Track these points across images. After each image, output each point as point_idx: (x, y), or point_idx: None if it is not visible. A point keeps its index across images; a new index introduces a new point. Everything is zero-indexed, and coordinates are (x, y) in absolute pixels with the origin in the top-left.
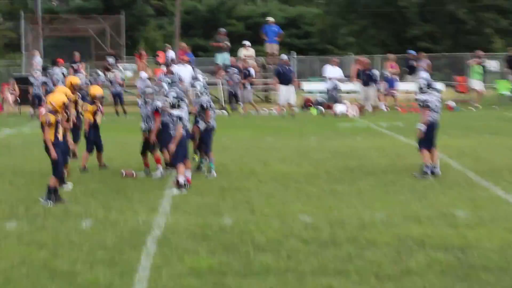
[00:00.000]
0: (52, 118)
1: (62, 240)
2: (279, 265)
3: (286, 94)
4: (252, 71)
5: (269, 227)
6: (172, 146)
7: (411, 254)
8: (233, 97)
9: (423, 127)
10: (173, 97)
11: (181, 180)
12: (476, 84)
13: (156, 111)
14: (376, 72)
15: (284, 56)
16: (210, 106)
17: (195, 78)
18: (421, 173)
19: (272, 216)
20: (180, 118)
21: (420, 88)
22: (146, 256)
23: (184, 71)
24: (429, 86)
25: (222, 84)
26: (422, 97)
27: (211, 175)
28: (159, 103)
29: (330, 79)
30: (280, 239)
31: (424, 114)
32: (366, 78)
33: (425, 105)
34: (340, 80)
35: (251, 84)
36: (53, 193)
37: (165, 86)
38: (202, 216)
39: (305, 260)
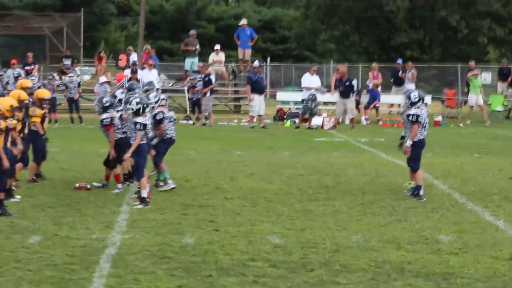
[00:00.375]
0: (2, 124)
1: (7, 257)
2: None
3: (259, 104)
4: (213, 78)
5: (234, 248)
6: (127, 154)
7: (389, 281)
8: (195, 106)
9: (409, 144)
10: (137, 103)
11: (144, 194)
12: (475, 99)
13: (109, 125)
14: (355, 83)
15: (257, 63)
16: (164, 117)
17: (148, 88)
18: (418, 197)
19: (239, 237)
20: (144, 126)
21: (412, 103)
22: (99, 277)
23: (150, 76)
24: (420, 100)
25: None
26: (413, 111)
27: (167, 186)
28: (104, 116)
29: (307, 89)
30: (246, 262)
31: (414, 130)
32: (344, 89)
33: (417, 121)
34: (318, 91)
35: (212, 92)
36: None
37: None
38: (161, 235)
39: (273, 285)
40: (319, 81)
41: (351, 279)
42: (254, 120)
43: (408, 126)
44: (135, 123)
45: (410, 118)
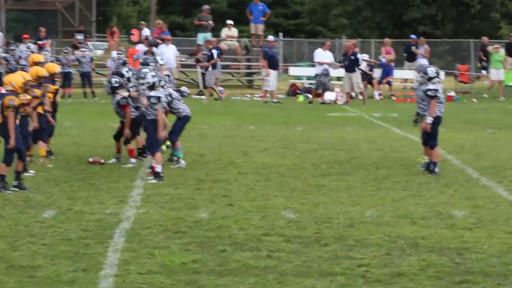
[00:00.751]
0: (17, 100)
1: (21, 231)
2: (259, 264)
3: (275, 79)
4: (215, 53)
5: (248, 223)
6: (162, 134)
7: (403, 256)
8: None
9: (431, 120)
10: (152, 76)
11: (159, 169)
12: (496, 73)
13: (125, 105)
14: (360, 57)
15: (271, 38)
16: (172, 99)
17: (144, 66)
18: (431, 172)
19: (252, 211)
20: (159, 99)
21: (430, 78)
22: (113, 251)
23: (167, 51)
24: (438, 75)
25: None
26: (432, 86)
27: (179, 164)
28: (118, 97)
29: (320, 64)
30: (260, 236)
31: (432, 106)
32: (349, 63)
33: (435, 96)
34: (331, 66)
35: (215, 66)
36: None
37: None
38: (175, 209)
39: (287, 259)
40: (332, 57)
41: (365, 253)
42: (268, 95)
43: (424, 102)
44: (149, 97)
45: (430, 93)
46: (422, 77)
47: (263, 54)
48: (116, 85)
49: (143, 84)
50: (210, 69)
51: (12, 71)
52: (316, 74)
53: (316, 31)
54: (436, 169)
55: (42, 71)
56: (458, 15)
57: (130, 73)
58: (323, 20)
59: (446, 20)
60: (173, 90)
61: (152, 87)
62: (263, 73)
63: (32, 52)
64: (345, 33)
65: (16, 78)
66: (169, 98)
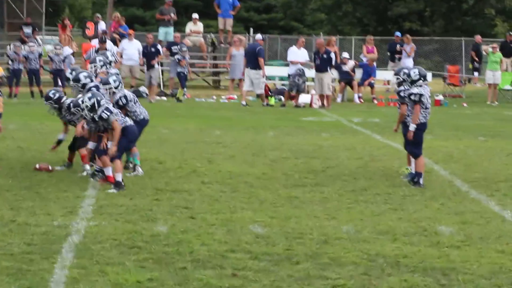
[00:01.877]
0: None
1: None
2: (222, 283)
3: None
4: (160, 48)
5: (211, 238)
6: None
7: (382, 276)
8: (183, 80)
9: (413, 128)
10: (114, 80)
11: (119, 177)
12: (492, 76)
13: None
14: (333, 56)
15: (260, 36)
16: (128, 101)
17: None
18: (415, 184)
19: (216, 225)
20: (109, 111)
21: (412, 81)
22: (61, 268)
23: (130, 47)
24: (422, 77)
25: (161, 65)
26: (416, 90)
27: (135, 172)
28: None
29: (293, 63)
30: (224, 253)
31: (416, 111)
32: (321, 62)
33: (420, 101)
34: (305, 65)
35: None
36: None
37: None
38: (131, 222)
39: (254, 279)
40: (307, 55)
41: (340, 273)
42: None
43: (408, 108)
44: (99, 116)
45: (413, 97)
46: (404, 79)
47: (260, 53)
48: (55, 96)
49: (82, 109)
50: (156, 66)
51: None
52: (289, 75)
53: (291, 26)
54: (421, 181)
55: None
56: (448, 10)
57: (88, 80)
58: (298, 15)
59: (435, 16)
60: (128, 91)
61: (92, 109)
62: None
63: None
64: (323, 29)
65: None
66: (124, 100)
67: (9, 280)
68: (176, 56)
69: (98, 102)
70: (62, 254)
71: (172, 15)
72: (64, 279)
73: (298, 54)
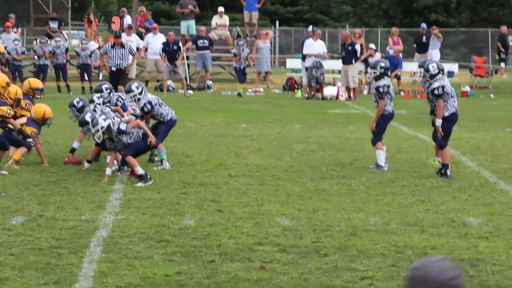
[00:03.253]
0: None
1: None
2: (251, 276)
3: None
4: (181, 45)
5: (239, 231)
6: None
7: (410, 267)
8: (241, 75)
9: (440, 123)
10: (136, 87)
11: (141, 171)
12: None
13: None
14: (358, 48)
15: (311, 28)
16: (152, 107)
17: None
18: (445, 176)
19: (244, 218)
20: (122, 131)
21: (432, 75)
22: (89, 262)
23: (155, 41)
24: (441, 71)
25: (187, 59)
26: (437, 84)
27: (163, 166)
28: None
29: (308, 56)
30: (252, 246)
31: (440, 105)
32: (346, 54)
33: (443, 93)
34: (319, 57)
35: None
36: None
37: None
38: (158, 216)
39: (282, 271)
40: (323, 47)
41: (368, 265)
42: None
43: (434, 99)
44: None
45: (436, 91)
46: (424, 75)
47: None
48: (79, 105)
49: (97, 132)
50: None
51: None
52: (307, 68)
53: (317, 19)
54: (448, 172)
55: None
56: (474, 1)
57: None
58: (324, 7)
59: (461, 7)
60: (152, 95)
61: (108, 129)
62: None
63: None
64: (348, 22)
65: None
66: (148, 106)
67: (37, 274)
68: (233, 51)
69: (113, 122)
70: (90, 248)
71: (190, 6)
72: (92, 273)
73: (313, 46)
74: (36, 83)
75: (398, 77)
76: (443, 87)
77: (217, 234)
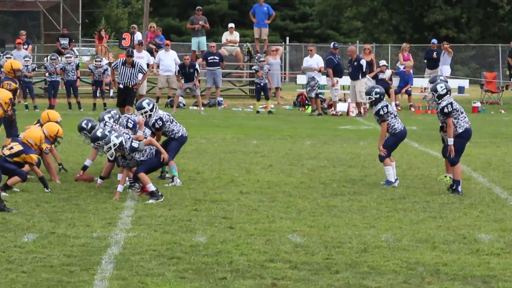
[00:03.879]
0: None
1: None
2: None
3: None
4: (198, 67)
5: (251, 248)
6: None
7: (422, 284)
8: (263, 91)
9: (452, 142)
10: (147, 103)
11: (152, 187)
12: None
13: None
14: (363, 63)
15: (334, 44)
16: (163, 124)
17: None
18: (454, 191)
19: (255, 235)
20: (135, 149)
21: (440, 95)
22: (101, 279)
23: (167, 58)
24: (449, 92)
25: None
26: (445, 102)
27: (174, 183)
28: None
29: (303, 72)
30: (264, 263)
31: (450, 124)
32: (352, 70)
33: (452, 110)
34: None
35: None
36: None
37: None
38: (170, 233)
39: None
40: (321, 62)
41: (380, 282)
42: (354, 106)
43: (444, 119)
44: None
45: (446, 110)
46: (372, 98)
47: (328, 63)
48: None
49: (109, 149)
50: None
51: None
52: (307, 83)
53: (327, 35)
54: (459, 188)
55: (17, 64)
56: (485, 17)
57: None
58: (334, 23)
59: (471, 22)
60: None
61: (121, 147)
62: (329, 83)
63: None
64: (359, 37)
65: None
66: (159, 123)
67: None
68: (254, 67)
69: (125, 140)
70: (102, 266)
71: (200, 22)
72: None
73: (309, 63)
74: (17, 64)
75: (408, 93)
76: (451, 104)
77: (229, 251)
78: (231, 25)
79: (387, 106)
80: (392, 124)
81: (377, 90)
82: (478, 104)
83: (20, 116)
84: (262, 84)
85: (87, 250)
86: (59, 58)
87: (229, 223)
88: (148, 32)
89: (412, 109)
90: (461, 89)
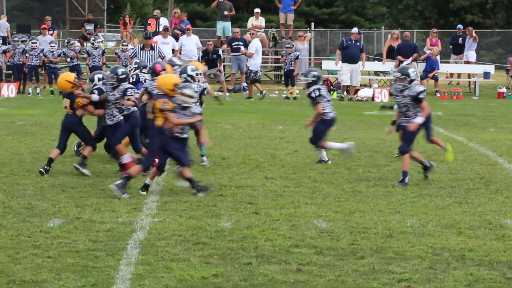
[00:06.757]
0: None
1: (24, 242)
2: (287, 278)
3: (350, 73)
4: (221, 53)
5: (276, 233)
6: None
7: (448, 270)
8: (288, 78)
9: (422, 120)
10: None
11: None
12: None
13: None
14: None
15: (355, 30)
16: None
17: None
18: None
19: (280, 220)
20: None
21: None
22: (126, 264)
23: (189, 43)
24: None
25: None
26: (421, 88)
27: (202, 163)
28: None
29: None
30: (289, 248)
31: (424, 106)
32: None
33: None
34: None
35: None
36: None
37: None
38: (195, 218)
39: (319, 273)
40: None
41: (405, 267)
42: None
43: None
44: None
45: (421, 95)
46: (309, 80)
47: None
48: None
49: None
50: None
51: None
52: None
53: (352, 20)
54: (406, 180)
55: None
56: (510, 2)
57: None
58: (359, 9)
59: (497, 7)
60: None
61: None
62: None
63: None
64: (384, 23)
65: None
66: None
67: (75, 277)
68: (282, 52)
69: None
70: (127, 251)
71: (227, 10)
72: (129, 276)
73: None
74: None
75: (435, 78)
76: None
77: (254, 237)
78: (257, 10)
79: (319, 89)
80: (323, 108)
81: (315, 73)
82: (504, 89)
83: (45, 101)
84: (286, 70)
85: (113, 235)
86: (82, 43)
87: (254, 208)
88: (173, 17)
89: (438, 94)
90: (486, 75)
